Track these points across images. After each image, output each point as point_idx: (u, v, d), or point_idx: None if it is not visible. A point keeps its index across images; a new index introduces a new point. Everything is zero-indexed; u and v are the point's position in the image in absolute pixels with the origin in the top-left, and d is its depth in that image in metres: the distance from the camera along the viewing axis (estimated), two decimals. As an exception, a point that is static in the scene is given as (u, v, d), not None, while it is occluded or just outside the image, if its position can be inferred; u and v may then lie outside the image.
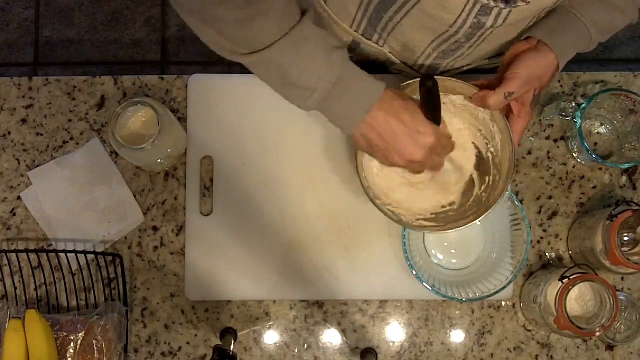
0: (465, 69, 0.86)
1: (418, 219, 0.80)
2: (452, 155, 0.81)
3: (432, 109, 0.70)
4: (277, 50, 0.65)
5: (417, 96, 0.74)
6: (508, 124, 0.76)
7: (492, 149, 0.80)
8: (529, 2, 0.63)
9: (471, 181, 0.83)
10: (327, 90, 0.67)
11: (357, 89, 0.68)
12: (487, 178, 0.80)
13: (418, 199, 0.82)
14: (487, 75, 0.90)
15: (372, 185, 0.79)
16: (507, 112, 0.76)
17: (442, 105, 0.80)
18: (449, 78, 0.76)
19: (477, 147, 0.82)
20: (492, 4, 0.62)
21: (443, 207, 0.82)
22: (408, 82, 0.77)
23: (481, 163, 0.82)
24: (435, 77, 0.68)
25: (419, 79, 0.74)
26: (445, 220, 0.80)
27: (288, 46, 0.65)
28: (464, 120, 0.82)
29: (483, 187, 0.81)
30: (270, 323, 0.90)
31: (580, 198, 0.93)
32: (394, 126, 0.68)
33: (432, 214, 0.81)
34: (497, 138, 0.78)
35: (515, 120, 0.75)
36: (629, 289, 0.91)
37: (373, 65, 0.92)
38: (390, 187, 0.82)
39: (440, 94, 0.78)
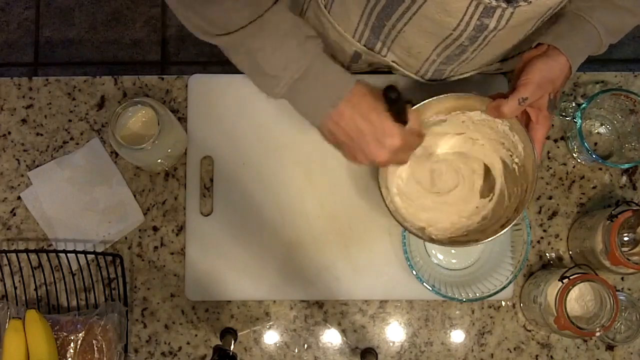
0: (470, 74, 0.86)
1: (450, 237, 0.80)
2: (482, 172, 0.82)
3: (397, 111, 0.68)
4: (246, 34, 0.64)
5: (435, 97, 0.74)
6: (526, 132, 0.75)
7: (516, 160, 0.80)
8: (530, 2, 0.62)
9: (501, 194, 0.82)
10: (294, 80, 0.66)
11: (325, 82, 0.67)
12: (515, 189, 0.80)
13: (446, 218, 0.83)
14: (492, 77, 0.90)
15: (399, 209, 0.79)
16: (527, 121, 0.76)
17: (461, 123, 0.80)
18: (463, 94, 0.75)
19: (502, 160, 0.82)
20: (494, 3, 0.62)
21: (478, 222, 0.82)
22: (422, 103, 0.75)
23: (509, 175, 0.81)
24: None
25: (433, 98, 0.74)
26: (475, 234, 0.80)
27: (257, 31, 0.65)
28: (485, 135, 0.81)
29: (512, 198, 0.80)
30: (270, 323, 0.90)
31: (580, 198, 0.93)
32: (360, 125, 0.67)
33: (464, 232, 0.81)
34: (520, 147, 0.78)
35: (535, 127, 0.75)
36: (629, 289, 0.91)
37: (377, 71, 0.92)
38: (416, 209, 0.82)
39: (457, 112, 0.78)
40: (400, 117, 0.68)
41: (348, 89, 0.67)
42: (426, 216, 0.82)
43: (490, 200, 0.83)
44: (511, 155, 0.80)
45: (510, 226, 0.74)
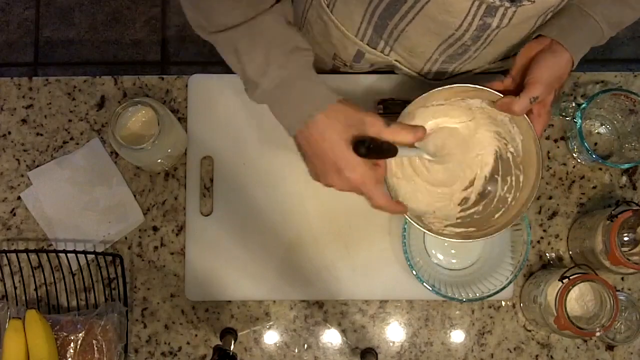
0: (472, 72, 0.86)
1: (446, 226, 0.80)
2: (467, 156, 0.81)
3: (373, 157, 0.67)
4: (236, 35, 0.65)
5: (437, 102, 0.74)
6: (531, 124, 0.75)
7: (511, 149, 0.80)
8: (534, 1, 0.62)
9: (493, 181, 0.82)
10: (270, 89, 0.66)
11: (303, 95, 0.67)
12: (508, 178, 0.80)
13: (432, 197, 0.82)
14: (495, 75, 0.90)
15: (399, 195, 0.79)
16: (527, 112, 0.75)
17: (459, 108, 0.79)
18: (465, 85, 0.75)
19: (496, 147, 0.82)
20: (498, 3, 0.62)
21: (462, 208, 0.82)
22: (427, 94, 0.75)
23: (501, 163, 0.81)
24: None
25: (438, 89, 0.73)
26: (470, 224, 0.80)
27: (247, 32, 0.65)
28: (481, 122, 0.81)
29: (506, 188, 0.80)
30: (270, 323, 0.90)
31: (580, 198, 0.93)
32: (325, 148, 0.66)
33: (457, 218, 0.81)
34: (518, 139, 0.78)
35: (535, 119, 0.75)
36: (629, 289, 0.91)
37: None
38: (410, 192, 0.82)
39: (458, 98, 0.78)
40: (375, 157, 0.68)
41: (324, 106, 0.66)
42: (423, 202, 0.81)
43: (475, 186, 0.82)
44: (506, 144, 0.80)
45: (512, 223, 0.76)
